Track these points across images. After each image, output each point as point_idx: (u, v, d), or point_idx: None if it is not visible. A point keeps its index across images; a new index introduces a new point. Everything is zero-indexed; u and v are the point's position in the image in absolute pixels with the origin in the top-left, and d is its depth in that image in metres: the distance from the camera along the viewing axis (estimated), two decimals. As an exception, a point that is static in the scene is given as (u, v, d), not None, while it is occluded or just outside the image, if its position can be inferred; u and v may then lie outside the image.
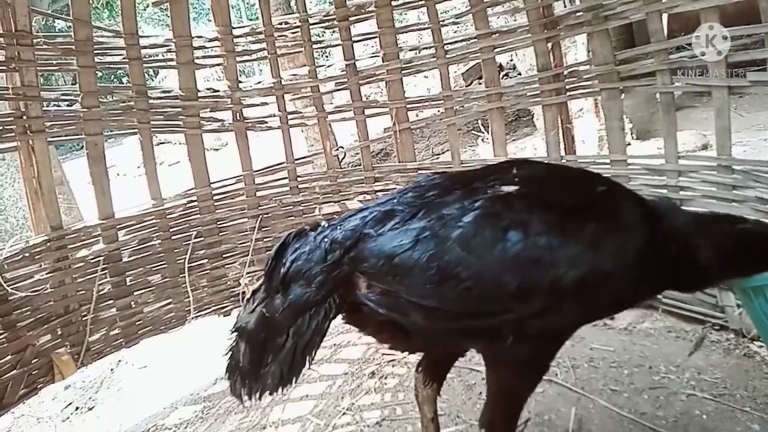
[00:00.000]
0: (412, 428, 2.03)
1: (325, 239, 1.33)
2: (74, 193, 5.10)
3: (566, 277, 1.18)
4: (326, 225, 1.39)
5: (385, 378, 2.40)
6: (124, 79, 12.83)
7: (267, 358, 1.29)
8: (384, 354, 2.58)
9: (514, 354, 1.28)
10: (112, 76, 14.07)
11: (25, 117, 2.87)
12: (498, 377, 1.40)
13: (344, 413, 2.20)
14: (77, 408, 2.69)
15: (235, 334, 1.39)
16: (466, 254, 1.20)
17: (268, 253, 3.28)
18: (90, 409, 2.68)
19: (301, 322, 1.27)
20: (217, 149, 10.81)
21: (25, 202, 4.03)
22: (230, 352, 1.38)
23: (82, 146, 3.21)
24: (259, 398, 1.31)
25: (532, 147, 6.17)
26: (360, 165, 3.72)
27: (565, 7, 3.09)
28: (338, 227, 1.35)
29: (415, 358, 2.12)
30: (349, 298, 1.32)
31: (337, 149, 3.72)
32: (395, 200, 1.38)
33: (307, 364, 1.28)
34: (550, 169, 1.52)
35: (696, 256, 1.33)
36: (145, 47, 3.26)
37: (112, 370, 3.01)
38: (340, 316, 1.36)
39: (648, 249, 1.24)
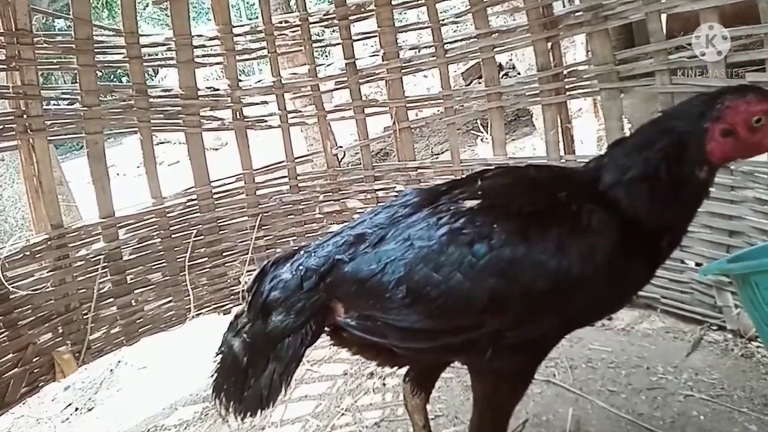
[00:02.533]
0: (411, 429, 2.04)
1: (301, 267, 1.36)
2: (73, 193, 5.11)
3: (535, 285, 1.17)
4: (302, 252, 1.42)
5: (385, 378, 2.41)
6: (124, 79, 12.83)
7: (249, 381, 1.35)
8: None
9: (495, 366, 1.29)
10: (111, 76, 14.04)
11: (25, 116, 2.89)
12: (482, 388, 1.41)
13: (344, 414, 2.21)
14: (77, 409, 2.70)
15: (220, 356, 1.44)
16: (434, 273, 1.21)
17: (269, 249, 3.29)
18: (90, 410, 2.68)
19: (280, 348, 1.32)
20: (216, 149, 10.80)
21: (23, 202, 4.06)
22: (215, 374, 1.43)
23: (82, 146, 3.22)
24: (242, 419, 1.37)
25: (531, 147, 6.18)
26: (359, 164, 3.72)
27: (563, 6, 3.08)
28: (312, 254, 1.38)
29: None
30: (328, 323, 1.36)
31: (337, 148, 3.72)
32: (366, 222, 1.40)
33: (284, 388, 1.34)
34: (515, 175, 1.48)
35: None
36: (145, 46, 3.27)
37: (111, 370, 3.02)
38: (327, 337, 1.42)
39: (619, 246, 1.19)
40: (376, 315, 1.27)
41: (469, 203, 1.29)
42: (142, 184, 3.42)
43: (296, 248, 1.47)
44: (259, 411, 1.34)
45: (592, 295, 1.21)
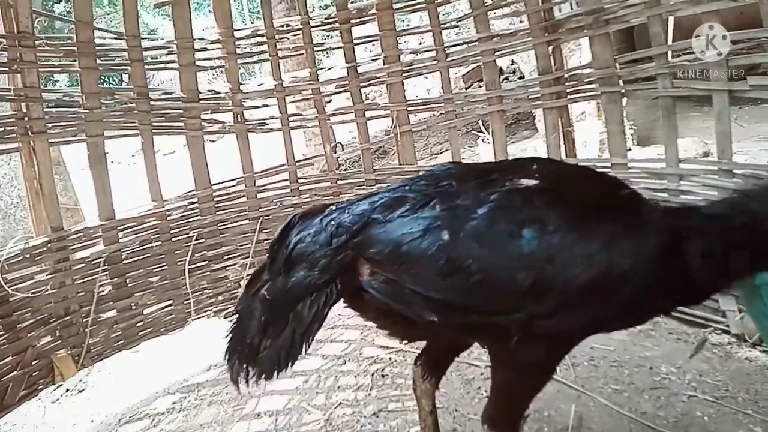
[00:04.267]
0: (409, 420, 2.02)
1: (332, 222, 1.28)
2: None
3: (580, 277, 1.14)
4: (334, 208, 1.34)
5: (382, 370, 2.40)
6: (124, 81, 12.81)
7: (266, 342, 1.25)
8: (380, 347, 2.58)
9: (520, 354, 1.24)
10: (111, 79, 14.02)
11: (26, 118, 2.88)
12: (502, 376, 1.36)
13: (339, 405, 2.20)
14: (67, 390, 2.65)
15: (236, 316, 1.35)
16: (479, 247, 1.15)
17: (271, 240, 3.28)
18: (80, 391, 2.64)
19: (302, 307, 1.24)
20: (213, 141, 10.70)
21: (19, 181, 4.02)
22: (230, 335, 1.34)
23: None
24: (256, 383, 1.27)
25: (532, 149, 6.17)
26: (359, 165, 3.72)
27: (570, 8, 3.08)
28: (346, 211, 1.30)
29: (413, 348, 2.08)
30: (352, 284, 1.27)
31: (335, 144, 3.72)
32: (407, 187, 1.33)
33: (304, 349, 1.24)
34: (573, 168, 1.45)
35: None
36: (146, 49, 3.27)
37: (104, 353, 3.00)
38: (341, 301, 1.32)
39: (667, 253, 1.18)
40: (405, 281, 1.19)
41: (527, 182, 1.25)
42: (137, 173, 3.39)
43: (325, 204, 1.37)
44: (275, 373, 1.25)
45: (630, 297, 1.18)
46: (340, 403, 2.21)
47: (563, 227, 1.16)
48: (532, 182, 1.25)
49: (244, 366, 1.27)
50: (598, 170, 1.52)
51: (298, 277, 1.25)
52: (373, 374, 2.39)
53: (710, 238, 1.22)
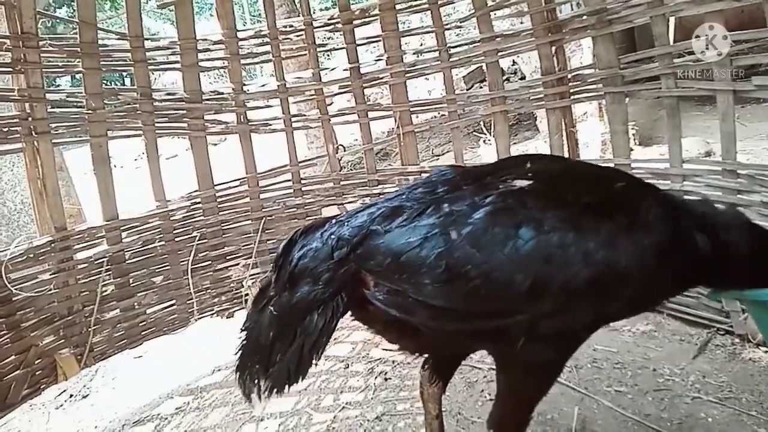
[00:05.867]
0: (413, 423, 2.02)
1: (332, 236, 1.30)
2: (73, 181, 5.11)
3: (580, 276, 1.14)
4: (334, 221, 1.36)
5: (387, 374, 2.40)
6: (127, 82, 12.83)
7: (275, 357, 1.27)
8: (385, 349, 2.58)
9: (526, 356, 1.24)
10: (121, 78, 14.05)
11: (30, 118, 2.89)
12: (508, 379, 1.36)
13: (344, 407, 2.20)
14: (71, 396, 2.66)
15: (245, 332, 1.37)
16: (476, 252, 1.16)
17: (272, 252, 3.28)
18: (84, 397, 2.65)
19: (309, 321, 1.25)
20: (216, 144, 10.73)
21: (23, 186, 4.04)
22: (240, 351, 1.36)
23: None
24: (268, 397, 1.29)
25: (534, 150, 6.17)
26: (362, 166, 3.72)
27: (571, 9, 3.08)
28: (345, 224, 1.32)
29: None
30: (357, 296, 1.28)
31: (337, 146, 3.71)
32: (404, 196, 1.34)
33: (314, 363, 1.26)
34: (567, 164, 1.44)
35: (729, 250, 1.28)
36: (150, 50, 3.28)
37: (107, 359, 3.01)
38: (348, 313, 1.34)
39: (668, 248, 1.19)
40: (407, 291, 1.20)
41: (520, 183, 1.26)
42: (140, 177, 3.40)
43: (326, 218, 1.41)
44: (285, 388, 1.27)
45: (632, 292, 1.19)
46: (345, 406, 2.21)
47: (560, 227, 1.16)
48: (525, 183, 1.26)
49: (256, 381, 1.30)
50: (590, 163, 1.52)
51: (303, 292, 1.27)
52: (377, 376, 2.39)
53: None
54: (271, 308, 1.31)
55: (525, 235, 1.16)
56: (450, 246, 1.18)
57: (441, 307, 1.19)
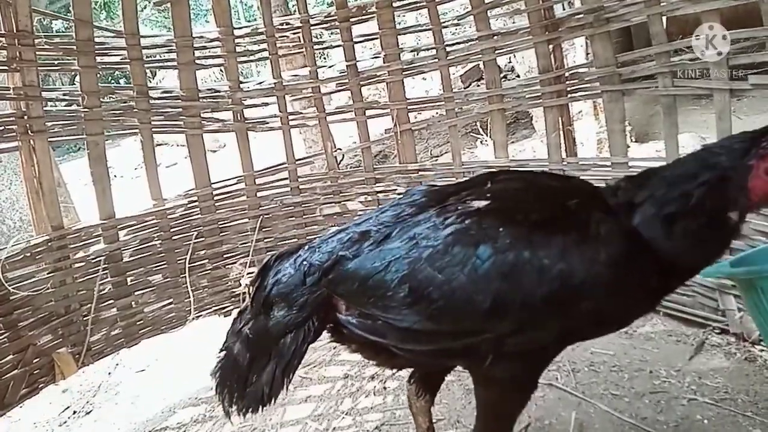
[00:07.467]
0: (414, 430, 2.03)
1: (305, 262, 1.36)
2: (71, 195, 5.10)
3: (537, 291, 1.16)
4: (306, 247, 1.42)
5: (385, 381, 2.40)
6: (122, 80, 12.83)
7: (251, 378, 1.34)
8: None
9: (495, 373, 1.27)
10: (110, 78, 14.02)
11: (26, 117, 2.88)
12: (484, 394, 1.39)
13: (344, 416, 2.20)
14: (75, 412, 2.68)
15: (223, 353, 1.44)
16: (437, 274, 1.19)
17: (268, 253, 3.29)
18: (87, 413, 2.67)
19: (282, 344, 1.32)
20: (214, 151, 10.75)
21: (21, 204, 4.04)
22: (218, 371, 1.43)
23: (80, 148, 3.22)
24: (244, 415, 1.36)
25: (531, 149, 6.15)
26: (359, 166, 3.71)
27: (564, 9, 3.07)
28: (317, 250, 1.37)
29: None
30: (330, 319, 1.34)
31: (336, 151, 3.71)
32: (371, 220, 1.39)
33: (285, 386, 1.33)
34: (528, 181, 1.47)
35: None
36: (146, 47, 3.26)
37: (109, 373, 3.01)
38: (326, 334, 1.40)
39: (624, 259, 1.18)
40: (376, 314, 1.25)
41: (477, 204, 1.28)
42: (139, 186, 3.41)
43: (300, 244, 1.46)
44: (260, 408, 1.34)
45: (593, 307, 1.19)
46: (343, 415, 2.22)
47: (514, 245, 1.18)
48: (483, 203, 1.28)
49: (234, 400, 1.38)
50: (554, 173, 1.53)
51: (277, 316, 1.34)
52: (376, 384, 2.40)
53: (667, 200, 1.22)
54: (248, 331, 1.38)
55: (482, 255, 1.18)
56: (413, 269, 1.21)
57: (408, 328, 1.22)
